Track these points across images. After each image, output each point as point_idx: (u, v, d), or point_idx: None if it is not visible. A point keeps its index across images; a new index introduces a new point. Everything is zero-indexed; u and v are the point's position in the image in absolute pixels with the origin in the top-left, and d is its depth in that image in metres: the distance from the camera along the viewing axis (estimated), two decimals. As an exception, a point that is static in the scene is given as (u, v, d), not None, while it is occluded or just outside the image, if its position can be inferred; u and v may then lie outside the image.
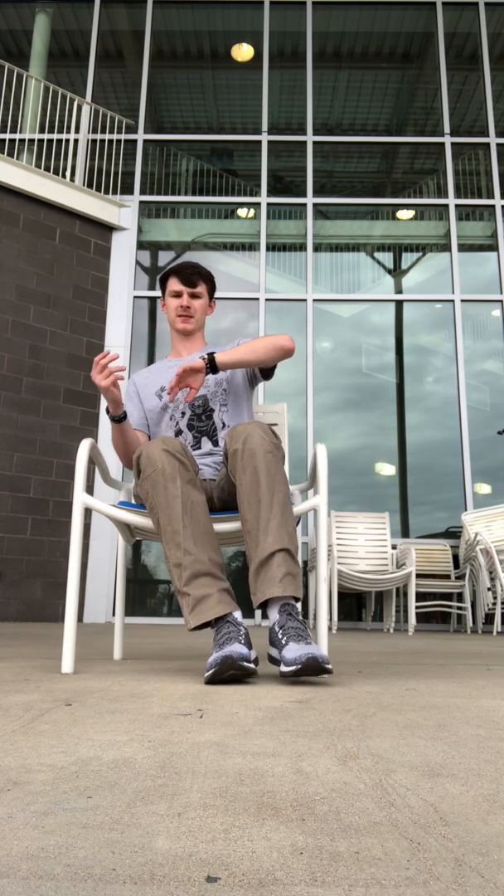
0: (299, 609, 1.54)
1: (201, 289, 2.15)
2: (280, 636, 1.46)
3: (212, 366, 1.86)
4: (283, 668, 1.40)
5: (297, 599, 1.54)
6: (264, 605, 1.54)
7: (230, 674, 1.40)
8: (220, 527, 1.70)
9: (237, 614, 1.53)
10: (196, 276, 2.13)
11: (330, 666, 1.40)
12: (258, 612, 5.87)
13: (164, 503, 1.58)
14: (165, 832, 0.56)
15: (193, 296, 2.14)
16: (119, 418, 1.93)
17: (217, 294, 6.49)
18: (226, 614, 1.51)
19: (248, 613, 5.88)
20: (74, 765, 0.76)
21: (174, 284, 2.14)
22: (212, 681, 1.41)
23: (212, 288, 2.19)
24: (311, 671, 1.38)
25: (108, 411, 1.92)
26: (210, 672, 1.40)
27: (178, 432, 2.07)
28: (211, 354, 1.87)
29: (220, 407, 2.08)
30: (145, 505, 1.65)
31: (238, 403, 2.11)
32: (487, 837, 0.55)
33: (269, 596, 1.48)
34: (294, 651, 1.40)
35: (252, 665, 1.41)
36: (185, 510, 1.57)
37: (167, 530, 1.57)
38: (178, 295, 2.14)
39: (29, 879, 0.47)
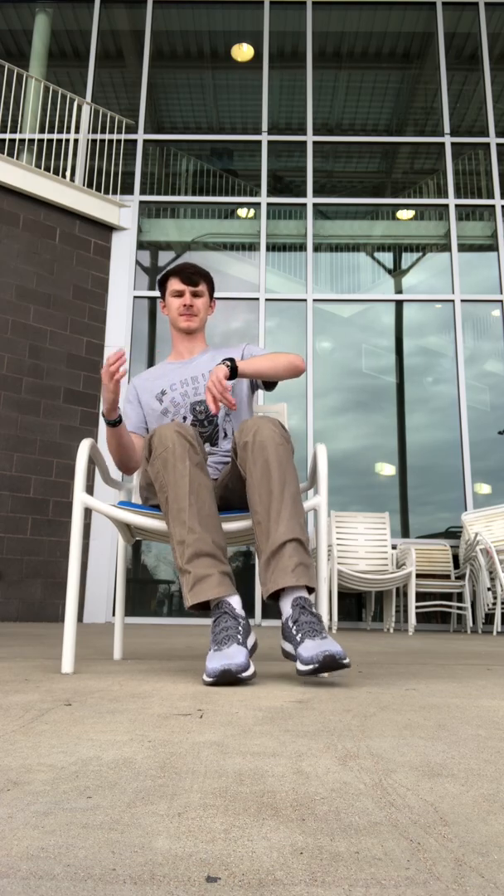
0: (313, 601, 1.53)
1: (202, 287, 2.16)
2: (294, 632, 1.44)
3: (233, 372, 1.87)
4: (301, 667, 1.39)
5: (310, 591, 1.51)
6: (276, 596, 1.52)
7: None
8: (223, 526, 1.70)
9: (235, 602, 1.52)
10: (197, 276, 2.14)
11: (347, 661, 1.38)
12: (258, 612, 5.86)
13: (173, 481, 1.58)
14: (165, 832, 0.56)
15: (195, 294, 2.15)
16: (114, 422, 1.92)
17: (217, 294, 6.50)
18: (223, 602, 1.51)
19: (249, 614, 5.87)
20: (74, 765, 0.76)
21: (175, 284, 2.14)
22: (211, 685, 1.43)
23: (211, 287, 2.20)
24: (328, 669, 1.37)
25: (103, 414, 1.91)
26: (210, 679, 1.40)
27: None
28: (233, 362, 1.87)
29: (223, 415, 2.08)
30: (154, 485, 1.65)
31: (240, 409, 2.12)
32: (487, 837, 0.55)
33: (281, 586, 1.46)
34: (310, 649, 1.38)
35: (250, 673, 1.41)
36: (192, 489, 1.58)
37: (173, 508, 1.57)
38: (179, 294, 2.14)
39: (29, 879, 0.47)
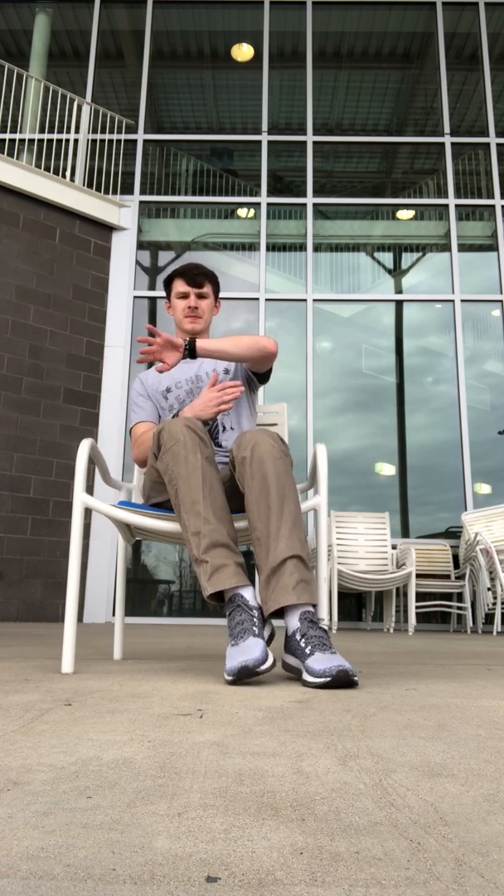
0: (321, 615, 1.52)
1: (207, 289, 2.16)
2: (303, 645, 1.44)
3: (191, 350, 1.86)
4: (310, 679, 1.38)
5: (314, 606, 1.52)
6: (279, 614, 1.52)
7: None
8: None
9: (248, 594, 1.53)
10: (202, 277, 2.14)
11: (357, 678, 1.38)
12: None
13: (185, 474, 1.59)
14: (165, 832, 0.56)
15: (200, 296, 2.16)
16: None
17: (219, 294, 6.48)
18: (236, 595, 1.52)
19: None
20: (74, 765, 0.76)
21: (180, 286, 2.15)
22: (233, 683, 1.44)
23: (217, 288, 2.21)
24: (340, 684, 1.36)
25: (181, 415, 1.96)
26: (230, 678, 1.41)
27: None
28: (192, 339, 1.88)
29: None
30: (164, 478, 1.66)
31: (239, 406, 2.12)
32: (487, 837, 0.55)
33: (282, 604, 1.47)
34: (322, 662, 1.37)
35: (268, 666, 1.41)
36: (205, 482, 1.59)
37: (186, 500, 1.57)
38: (184, 296, 2.15)
39: (29, 879, 0.46)
